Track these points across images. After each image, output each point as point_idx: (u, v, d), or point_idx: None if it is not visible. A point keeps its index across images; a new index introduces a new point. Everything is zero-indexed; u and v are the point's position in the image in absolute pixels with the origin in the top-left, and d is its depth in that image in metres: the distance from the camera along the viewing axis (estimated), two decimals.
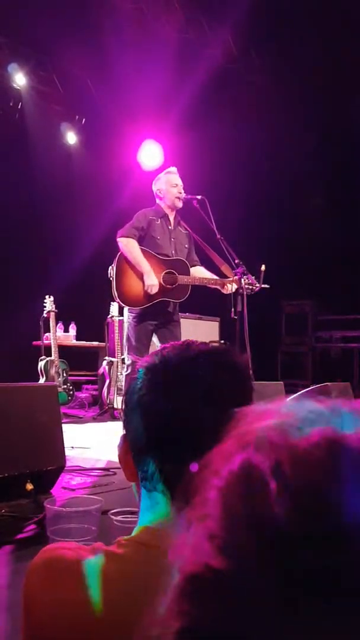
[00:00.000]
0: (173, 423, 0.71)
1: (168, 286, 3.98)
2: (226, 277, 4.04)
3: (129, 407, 0.78)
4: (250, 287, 3.93)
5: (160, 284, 3.96)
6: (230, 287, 3.98)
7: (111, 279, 4.00)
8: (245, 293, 3.91)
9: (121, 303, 4.04)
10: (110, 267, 4.02)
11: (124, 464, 0.79)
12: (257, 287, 3.95)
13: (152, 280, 3.93)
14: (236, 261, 3.98)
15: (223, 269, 4.02)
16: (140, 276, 3.96)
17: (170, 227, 4.14)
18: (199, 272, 4.20)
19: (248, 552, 0.27)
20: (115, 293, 3.97)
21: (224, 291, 4.02)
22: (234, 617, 0.26)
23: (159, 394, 0.73)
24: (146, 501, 0.75)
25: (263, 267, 3.97)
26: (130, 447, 0.77)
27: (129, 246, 3.99)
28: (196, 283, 4.08)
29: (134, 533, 0.73)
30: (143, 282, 3.94)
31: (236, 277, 3.99)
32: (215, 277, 4.11)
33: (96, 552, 0.70)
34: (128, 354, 4.14)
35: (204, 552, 0.28)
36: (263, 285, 3.99)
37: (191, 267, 4.20)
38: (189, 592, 0.28)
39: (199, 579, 0.28)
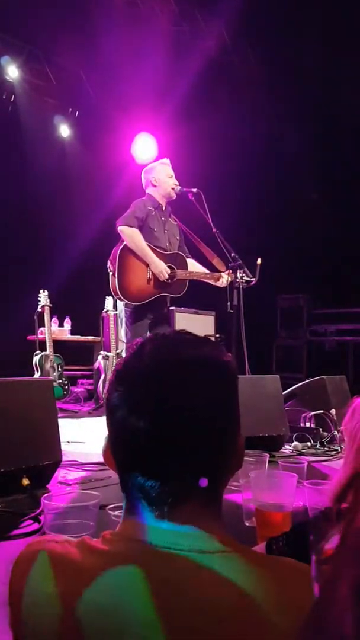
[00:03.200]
0: (144, 436, 0.69)
1: (167, 281, 3.96)
2: (218, 270, 4.03)
3: (107, 412, 0.76)
4: (247, 280, 3.93)
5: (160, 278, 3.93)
6: (224, 280, 3.97)
7: (110, 272, 3.94)
8: (241, 287, 3.91)
9: (122, 298, 3.96)
10: (109, 261, 3.95)
11: (108, 464, 0.78)
12: (253, 280, 3.95)
13: (160, 266, 3.89)
14: (232, 254, 3.96)
15: (215, 262, 4.01)
16: (143, 270, 3.92)
17: (163, 219, 4.11)
18: (191, 265, 4.19)
19: None
20: (117, 288, 3.87)
21: (218, 284, 4.01)
22: None
23: (129, 406, 0.71)
24: (126, 502, 0.75)
25: (259, 261, 3.96)
26: (110, 450, 0.76)
27: (133, 236, 3.88)
28: (192, 277, 4.07)
29: (118, 528, 0.73)
30: (145, 277, 3.91)
31: (229, 271, 3.98)
32: (207, 270, 4.10)
33: (82, 546, 0.70)
34: (126, 349, 4.12)
35: None
36: (250, 279, 3.99)
37: None
38: None
39: None
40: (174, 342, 0.73)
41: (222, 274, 3.99)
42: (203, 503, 0.71)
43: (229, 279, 3.96)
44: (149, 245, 3.95)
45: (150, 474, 0.70)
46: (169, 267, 3.99)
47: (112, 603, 0.63)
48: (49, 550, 0.70)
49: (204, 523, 0.70)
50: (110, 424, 0.75)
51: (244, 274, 3.96)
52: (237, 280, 3.95)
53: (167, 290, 3.99)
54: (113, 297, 4.40)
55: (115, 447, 0.75)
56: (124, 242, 3.92)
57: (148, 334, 3.98)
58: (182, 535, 0.68)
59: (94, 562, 0.67)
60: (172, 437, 0.68)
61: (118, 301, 4.16)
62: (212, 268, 4.07)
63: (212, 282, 4.03)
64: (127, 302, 3.95)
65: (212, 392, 0.71)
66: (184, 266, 4.07)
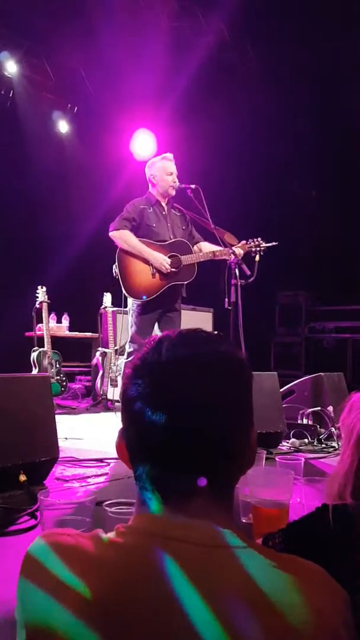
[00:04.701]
0: (161, 430, 0.70)
1: (174, 269, 3.95)
2: (231, 245, 3.98)
3: (122, 406, 0.77)
4: (253, 250, 3.88)
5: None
6: (238, 252, 3.90)
7: (116, 276, 3.96)
8: (239, 283, 3.89)
9: (132, 298, 3.98)
10: (114, 266, 3.99)
11: (122, 456, 0.79)
12: (260, 248, 3.90)
13: (158, 258, 3.88)
14: (231, 250, 3.95)
15: (226, 237, 3.98)
16: (143, 266, 3.92)
17: (164, 213, 4.10)
18: (204, 247, 4.15)
19: None
20: (124, 291, 3.93)
21: (236, 258, 3.94)
22: None
23: (146, 400, 0.71)
24: (139, 496, 0.75)
25: (257, 257, 3.95)
26: (125, 443, 0.77)
27: (123, 237, 3.94)
28: (202, 259, 4.02)
29: (131, 521, 0.73)
30: (149, 271, 3.90)
31: (243, 242, 3.94)
32: (219, 247, 4.05)
33: (96, 539, 0.69)
34: (130, 341, 4.09)
35: None
36: (269, 244, 3.93)
37: (195, 244, 4.15)
38: None
39: None
40: (191, 338, 0.74)
41: (234, 248, 3.93)
42: (216, 497, 0.72)
43: (242, 251, 3.91)
44: (147, 242, 3.96)
45: (165, 467, 0.71)
46: (172, 255, 3.97)
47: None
48: (61, 542, 0.70)
49: (218, 517, 0.71)
50: (126, 417, 0.75)
51: (262, 242, 3.92)
52: (254, 248, 3.90)
53: (175, 278, 3.97)
54: (115, 292, 4.38)
55: (130, 440, 0.75)
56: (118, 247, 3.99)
57: (156, 326, 4.00)
58: (196, 529, 0.69)
59: (110, 554, 0.67)
60: (188, 431, 0.69)
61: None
62: (226, 245, 4.02)
63: (225, 257, 3.97)
64: (141, 299, 3.96)
65: (230, 387, 0.72)
66: (188, 251, 4.04)
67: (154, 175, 4.10)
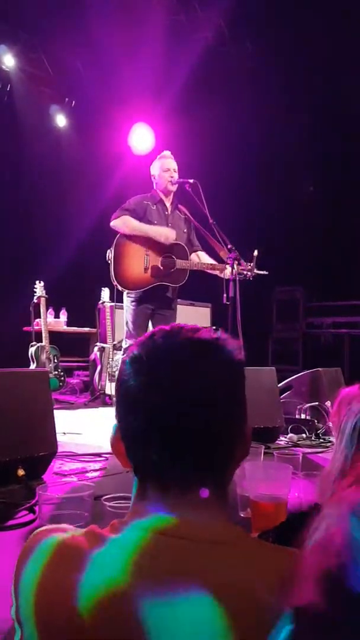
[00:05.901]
0: (159, 417, 0.70)
1: (166, 270, 3.96)
2: (225, 262, 4.01)
3: (118, 397, 0.77)
4: (244, 273, 3.91)
5: (158, 267, 3.94)
6: (228, 272, 3.95)
7: (109, 262, 3.97)
8: (237, 279, 3.89)
9: (119, 287, 3.99)
10: (108, 251, 3.99)
11: (116, 452, 0.79)
12: (249, 274, 3.92)
13: (162, 231, 3.90)
14: (229, 246, 3.95)
15: (222, 254, 4.01)
16: (140, 258, 3.93)
17: (167, 212, 4.12)
18: (201, 258, 4.17)
19: None
20: (113, 276, 3.93)
21: (223, 276, 3.98)
22: None
23: (144, 387, 0.72)
24: (137, 487, 0.75)
25: (256, 253, 3.95)
26: (121, 436, 0.76)
27: (125, 222, 3.96)
28: (195, 268, 4.06)
29: (128, 514, 0.73)
30: (142, 265, 3.91)
31: (235, 261, 3.97)
32: (214, 262, 4.08)
33: (90, 534, 0.70)
34: (126, 338, 4.11)
35: None
36: (260, 272, 3.95)
37: (193, 252, 4.18)
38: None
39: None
40: (186, 328, 0.76)
41: (227, 265, 3.96)
42: (212, 490, 0.72)
43: (234, 269, 3.94)
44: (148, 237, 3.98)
45: (161, 456, 0.71)
46: (167, 256, 3.99)
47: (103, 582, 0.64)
48: (55, 538, 0.70)
49: (213, 511, 0.71)
50: (122, 407, 0.76)
51: (241, 267, 3.94)
52: (235, 272, 3.91)
53: (165, 279, 3.98)
54: (113, 287, 4.40)
55: (127, 430, 0.75)
56: (119, 233, 4.00)
57: (149, 323, 4.01)
58: (192, 524, 0.69)
59: (106, 551, 0.67)
60: (185, 416, 0.69)
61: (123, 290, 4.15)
62: (221, 260, 4.05)
63: (217, 273, 4.01)
64: (125, 290, 3.97)
65: (226, 373, 0.73)
66: (185, 257, 4.07)
67: (153, 175, 4.17)
